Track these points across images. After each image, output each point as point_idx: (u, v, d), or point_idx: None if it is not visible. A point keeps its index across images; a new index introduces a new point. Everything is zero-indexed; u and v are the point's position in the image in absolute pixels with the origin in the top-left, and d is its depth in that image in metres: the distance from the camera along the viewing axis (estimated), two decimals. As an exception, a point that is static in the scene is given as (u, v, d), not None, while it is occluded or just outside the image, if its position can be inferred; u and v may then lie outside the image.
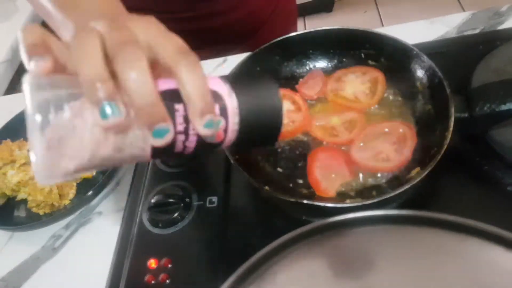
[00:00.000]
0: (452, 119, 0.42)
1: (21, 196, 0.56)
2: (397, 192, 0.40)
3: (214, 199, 0.49)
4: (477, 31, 0.61)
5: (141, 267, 0.45)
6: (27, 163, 0.58)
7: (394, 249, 0.35)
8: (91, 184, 0.55)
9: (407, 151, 0.46)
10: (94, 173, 0.57)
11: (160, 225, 0.48)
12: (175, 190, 0.50)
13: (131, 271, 0.45)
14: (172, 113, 0.22)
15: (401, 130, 0.48)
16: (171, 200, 0.48)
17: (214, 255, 0.45)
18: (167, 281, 0.44)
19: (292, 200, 0.42)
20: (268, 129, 0.26)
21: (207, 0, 0.65)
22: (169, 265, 0.45)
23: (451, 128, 0.42)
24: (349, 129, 0.50)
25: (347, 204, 0.41)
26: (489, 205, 0.44)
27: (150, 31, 0.23)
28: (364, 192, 0.45)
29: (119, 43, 0.22)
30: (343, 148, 0.49)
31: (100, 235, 0.53)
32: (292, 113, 0.53)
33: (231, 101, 0.24)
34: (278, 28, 0.79)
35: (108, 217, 0.54)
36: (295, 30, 0.85)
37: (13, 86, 0.87)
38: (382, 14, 2.07)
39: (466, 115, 0.44)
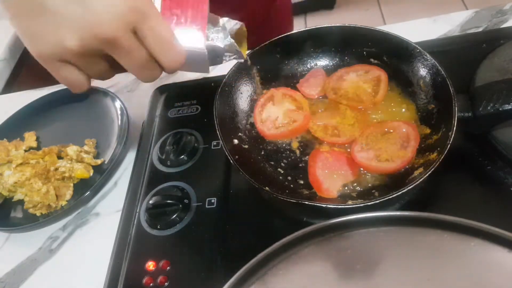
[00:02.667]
0: (455, 118, 0.42)
1: (17, 196, 0.56)
2: (400, 193, 0.39)
3: (213, 200, 0.48)
4: (480, 29, 0.60)
5: (139, 269, 0.45)
6: (23, 163, 0.57)
7: (397, 251, 0.35)
8: (89, 185, 0.55)
9: (409, 151, 0.45)
10: (92, 174, 0.57)
11: (158, 227, 0.47)
12: (173, 191, 0.49)
13: (129, 274, 0.45)
14: None
15: (403, 130, 0.47)
16: (169, 201, 0.48)
17: (214, 257, 0.44)
18: (166, 283, 0.43)
19: (293, 201, 0.41)
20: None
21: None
22: (168, 267, 0.44)
23: (454, 128, 0.41)
24: (351, 129, 0.49)
25: (349, 205, 0.40)
26: (492, 206, 0.44)
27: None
28: (366, 193, 0.44)
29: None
30: (344, 148, 0.49)
31: (98, 236, 0.52)
32: (293, 112, 0.52)
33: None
34: (274, 28, 0.80)
35: (105, 218, 0.54)
36: (291, 29, 0.86)
37: (10, 85, 0.87)
38: (384, 12, 2.07)
39: (470, 114, 0.44)
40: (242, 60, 0.42)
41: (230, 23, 0.39)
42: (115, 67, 0.36)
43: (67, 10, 0.31)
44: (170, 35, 0.35)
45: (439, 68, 0.47)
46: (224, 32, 0.38)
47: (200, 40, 0.37)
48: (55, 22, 0.31)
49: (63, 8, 0.31)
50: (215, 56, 0.39)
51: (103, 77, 0.37)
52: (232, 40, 0.39)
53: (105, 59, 0.35)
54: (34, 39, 0.32)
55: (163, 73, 0.37)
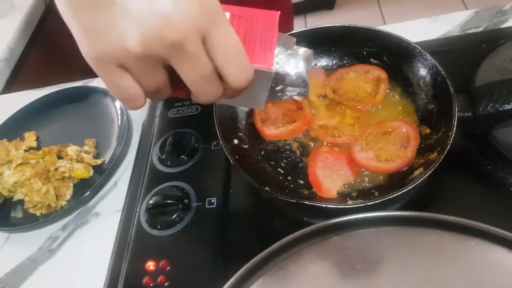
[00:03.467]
0: (455, 118, 0.42)
1: (17, 196, 0.56)
2: (400, 192, 0.39)
3: (213, 200, 0.48)
4: (480, 29, 0.60)
5: (139, 269, 0.45)
6: (23, 163, 0.57)
7: (397, 251, 0.35)
8: (89, 185, 0.55)
9: (409, 151, 0.45)
10: (92, 174, 0.57)
11: (158, 227, 0.47)
12: (173, 191, 0.49)
13: (129, 274, 0.45)
14: None
15: (403, 130, 0.47)
16: (169, 201, 0.48)
17: (214, 257, 0.44)
18: (166, 283, 0.43)
19: (293, 201, 0.41)
20: None
21: None
22: (168, 267, 0.44)
23: (454, 128, 0.41)
24: (351, 129, 0.49)
25: (349, 205, 0.41)
26: (492, 206, 0.44)
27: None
28: (366, 192, 0.44)
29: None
30: (344, 148, 0.49)
31: (98, 236, 0.52)
32: (293, 112, 0.52)
33: None
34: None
35: (105, 218, 0.54)
36: (292, 29, 0.86)
37: (10, 85, 0.86)
38: (384, 11, 2.07)
39: (469, 114, 0.44)
40: (306, 96, 0.34)
41: (301, 49, 0.33)
42: (173, 84, 0.32)
43: (135, 5, 0.27)
44: (241, 46, 0.30)
45: (439, 68, 0.47)
46: (296, 57, 0.32)
47: (269, 59, 0.31)
48: (121, 17, 0.28)
49: (131, 2, 0.27)
50: (276, 88, 0.33)
51: (159, 94, 0.32)
52: (305, 69, 0.32)
53: (164, 71, 0.31)
54: (95, 36, 0.29)
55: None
